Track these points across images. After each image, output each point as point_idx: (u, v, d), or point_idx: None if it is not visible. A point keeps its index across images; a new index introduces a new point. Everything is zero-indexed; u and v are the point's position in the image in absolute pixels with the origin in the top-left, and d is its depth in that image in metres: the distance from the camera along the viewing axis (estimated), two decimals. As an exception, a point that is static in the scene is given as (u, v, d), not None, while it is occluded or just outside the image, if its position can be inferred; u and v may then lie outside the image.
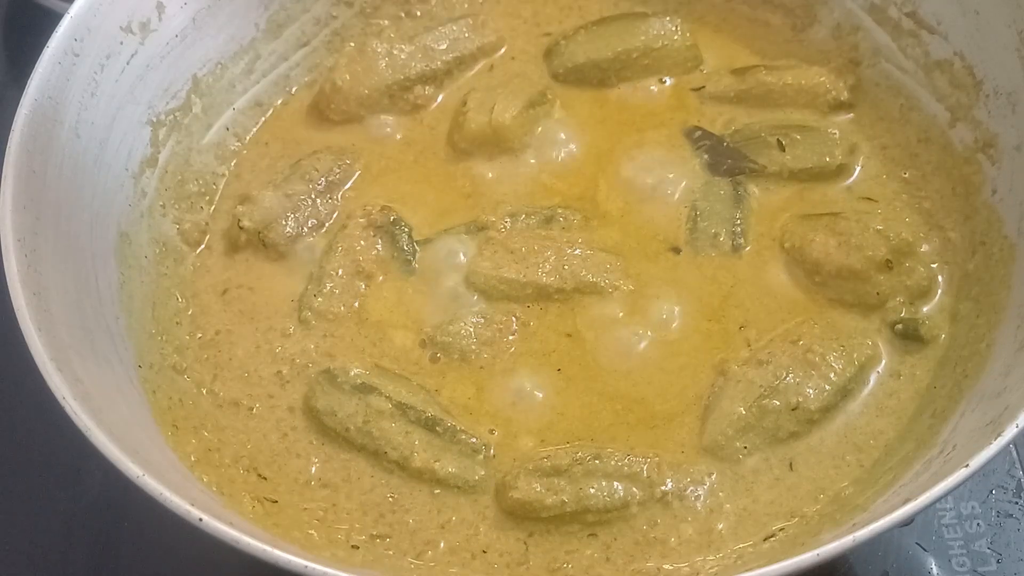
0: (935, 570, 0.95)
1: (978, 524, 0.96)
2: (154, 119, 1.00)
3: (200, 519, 0.68)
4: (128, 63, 0.96)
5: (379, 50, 1.07)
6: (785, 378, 0.87)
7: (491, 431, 0.89)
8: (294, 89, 1.12)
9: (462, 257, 0.98)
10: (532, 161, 1.04)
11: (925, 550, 0.95)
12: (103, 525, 1.01)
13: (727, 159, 1.02)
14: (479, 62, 1.11)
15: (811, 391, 0.86)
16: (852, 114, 1.06)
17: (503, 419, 0.89)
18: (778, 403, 0.86)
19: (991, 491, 0.98)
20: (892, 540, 0.96)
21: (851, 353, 0.89)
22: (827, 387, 0.87)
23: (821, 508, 0.83)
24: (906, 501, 0.67)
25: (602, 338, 0.93)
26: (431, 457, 0.86)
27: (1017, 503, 0.97)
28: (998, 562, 0.94)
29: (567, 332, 0.94)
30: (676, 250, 0.97)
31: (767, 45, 1.11)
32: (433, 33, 1.10)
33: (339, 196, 1.03)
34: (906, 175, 1.01)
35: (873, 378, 0.90)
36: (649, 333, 0.93)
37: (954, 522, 0.96)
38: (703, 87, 1.08)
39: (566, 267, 0.95)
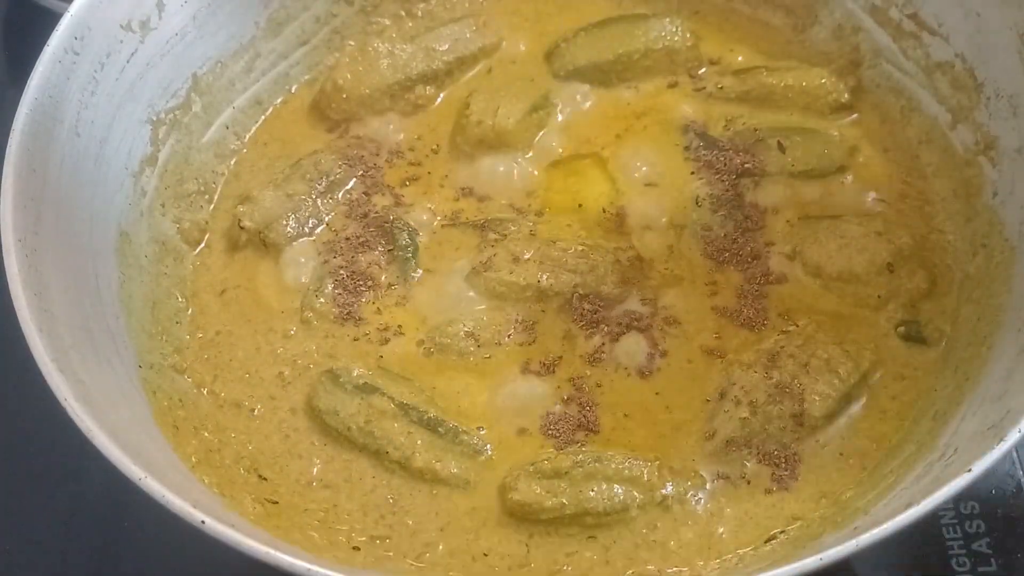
0: (935, 570, 0.95)
1: (978, 524, 0.96)
2: (154, 118, 0.99)
3: (203, 521, 0.68)
4: (128, 61, 0.95)
5: (380, 50, 1.07)
6: (789, 383, 0.86)
7: (489, 432, 0.89)
8: (294, 88, 1.12)
9: (463, 258, 0.97)
10: (534, 163, 1.04)
11: (925, 550, 0.95)
12: (103, 525, 1.00)
13: (724, 161, 1.02)
14: (480, 63, 1.11)
15: (816, 397, 0.86)
16: (853, 116, 1.05)
17: (502, 420, 0.89)
18: (782, 408, 0.86)
19: (991, 491, 0.98)
20: (891, 540, 0.96)
21: (855, 357, 0.88)
22: (832, 392, 0.87)
23: (823, 512, 0.83)
24: (908, 505, 0.67)
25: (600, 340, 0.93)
26: (432, 457, 0.86)
27: (1017, 503, 0.97)
28: (998, 562, 0.94)
29: (565, 334, 0.93)
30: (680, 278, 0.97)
31: (768, 46, 1.11)
32: (434, 33, 1.10)
33: (339, 196, 1.03)
34: (907, 177, 1.01)
35: (876, 381, 0.89)
36: (648, 336, 0.93)
37: (954, 522, 0.96)
38: (704, 88, 1.08)
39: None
